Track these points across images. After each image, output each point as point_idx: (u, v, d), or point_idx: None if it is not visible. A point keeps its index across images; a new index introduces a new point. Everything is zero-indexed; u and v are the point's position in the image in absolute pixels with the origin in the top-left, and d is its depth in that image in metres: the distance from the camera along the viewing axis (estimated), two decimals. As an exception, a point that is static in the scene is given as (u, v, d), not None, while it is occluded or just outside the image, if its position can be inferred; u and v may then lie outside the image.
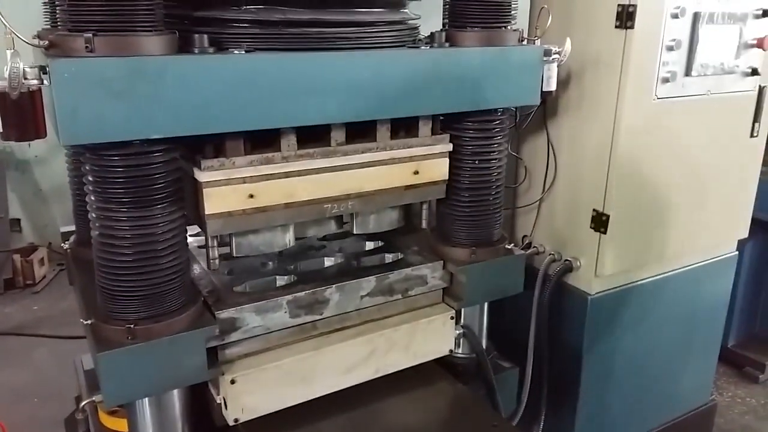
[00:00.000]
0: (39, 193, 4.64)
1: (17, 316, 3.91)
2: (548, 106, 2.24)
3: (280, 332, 1.56)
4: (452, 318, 1.80)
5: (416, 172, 1.66)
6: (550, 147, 2.27)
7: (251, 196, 1.40)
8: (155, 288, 1.36)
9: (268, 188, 1.41)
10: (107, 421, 1.73)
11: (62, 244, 1.93)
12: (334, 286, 1.60)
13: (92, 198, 1.31)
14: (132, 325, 1.32)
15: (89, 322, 1.37)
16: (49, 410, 2.84)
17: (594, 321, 2.27)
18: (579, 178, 2.21)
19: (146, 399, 1.46)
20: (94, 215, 1.32)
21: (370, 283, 1.65)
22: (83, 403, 1.73)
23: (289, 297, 1.53)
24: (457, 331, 1.91)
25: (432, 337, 1.77)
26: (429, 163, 1.68)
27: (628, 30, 1.94)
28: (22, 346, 3.57)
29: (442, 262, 1.77)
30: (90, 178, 1.30)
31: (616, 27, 1.96)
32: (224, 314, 1.45)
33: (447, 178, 1.75)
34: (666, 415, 2.69)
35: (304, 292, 1.56)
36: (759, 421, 3.17)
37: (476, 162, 1.77)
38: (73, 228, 1.95)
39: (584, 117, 2.14)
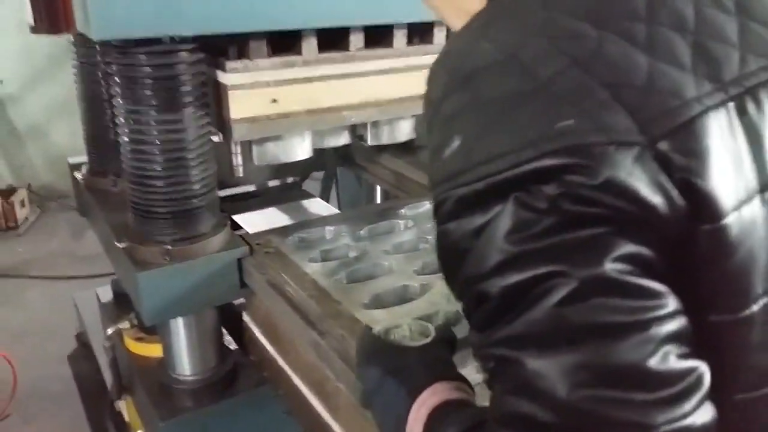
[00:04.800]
0: (14, 132, 4.51)
1: (3, 258, 3.87)
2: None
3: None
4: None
5: (432, 80, 1.67)
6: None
7: (274, 101, 1.42)
8: (187, 203, 1.37)
9: (291, 93, 1.44)
10: (134, 347, 1.77)
11: (75, 174, 1.91)
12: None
13: (120, 101, 1.32)
14: (169, 247, 1.36)
15: (124, 245, 1.40)
16: (51, 348, 2.86)
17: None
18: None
19: (180, 320, 1.50)
20: (122, 120, 1.34)
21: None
22: (110, 331, 1.77)
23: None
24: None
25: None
26: (445, 71, 1.69)
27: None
28: (13, 287, 3.56)
29: None
30: (117, 80, 1.31)
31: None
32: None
33: (462, 87, 1.77)
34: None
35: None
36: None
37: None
38: (79, 160, 1.94)
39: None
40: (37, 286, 3.58)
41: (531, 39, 0.64)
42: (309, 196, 2.24)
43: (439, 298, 1.12)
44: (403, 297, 1.21)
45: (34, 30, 1.15)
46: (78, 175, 1.88)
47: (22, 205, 4.24)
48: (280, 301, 1.24)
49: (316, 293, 1.20)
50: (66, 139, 4.49)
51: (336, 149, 1.90)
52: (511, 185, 0.59)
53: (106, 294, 2.05)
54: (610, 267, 0.56)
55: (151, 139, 1.32)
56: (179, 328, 1.51)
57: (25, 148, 4.58)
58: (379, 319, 1.08)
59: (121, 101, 1.32)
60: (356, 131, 1.71)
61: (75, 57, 1.76)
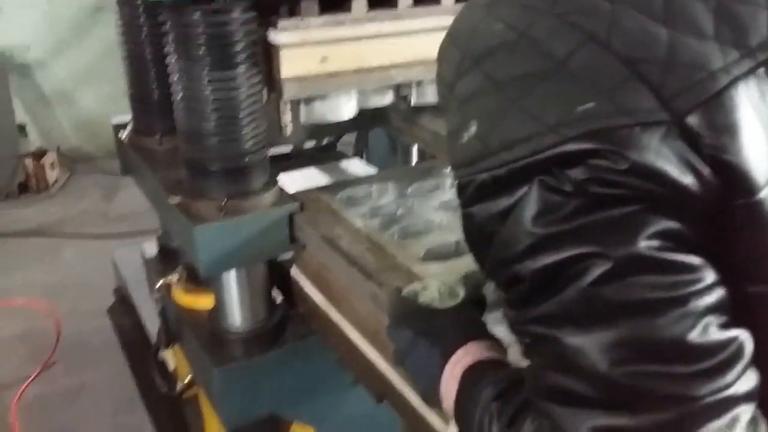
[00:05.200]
0: (42, 96, 4.55)
1: (36, 218, 3.96)
2: None
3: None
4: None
5: (478, 40, 1.66)
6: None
7: (324, 59, 1.44)
8: (240, 160, 1.41)
9: (340, 52, 1.45)
10: (183, 299, 1.81)
11: (119, 135, 1.97)
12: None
13: (174, 59, 1.35)
14: (223, 202, 1.40)
15: (177, 200, 1.45)
16: (89, 302, 2.95)
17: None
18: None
19: (232, 273, 1.54)
20: (176, 78, 1.37)
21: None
22: (159, 284, 1.82)
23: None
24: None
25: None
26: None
27: None
28: (49, 246, 3.65)
29: None
30: (172, 36, 1.33)
31: None
32: None
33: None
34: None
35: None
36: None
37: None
38: (122, 120, 1.97)
39: None
40: (71, 245, 3.67)
41: (541, 15, 0.61)
42: (345, 156, 2.26)
43: None
44: (456, 252, 1.24)
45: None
46: (122, 135, 1.92)
47: (53, 167, 4.31)
48: (334, 255, 1.28)
49: (371, 247, 1.25)
50: (93, 103, 4.53)
51: (369, 111, 1.92)
52: (534, 170, 0.59)
53: (151, 249, 2.11)
54: (645, 244, 0.56)
55: (204, 96, 1.35)
56: (231, 281, 1.57)
57: (54, 111, 4.62)
58: (436, 273, 1.12)
59: (174, 60, 1.35)
60: (400, 91, 1.72)
61: (118, 18, 1.78)
